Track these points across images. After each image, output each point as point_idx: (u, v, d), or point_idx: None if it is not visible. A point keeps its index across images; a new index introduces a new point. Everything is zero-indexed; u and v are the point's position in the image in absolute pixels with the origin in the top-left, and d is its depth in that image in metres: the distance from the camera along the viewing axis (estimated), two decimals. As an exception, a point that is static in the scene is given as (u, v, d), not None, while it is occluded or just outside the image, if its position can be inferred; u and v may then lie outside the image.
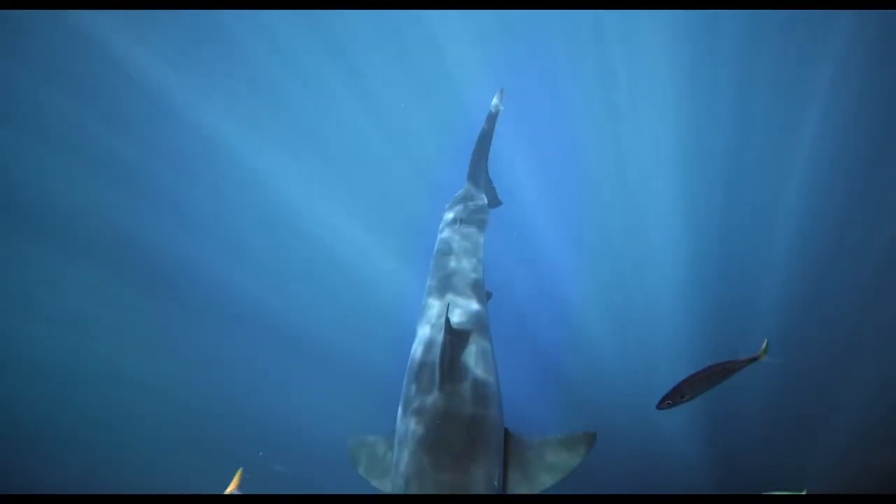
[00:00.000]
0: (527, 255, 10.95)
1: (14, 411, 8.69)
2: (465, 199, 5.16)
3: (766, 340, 3.26)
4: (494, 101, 5.43)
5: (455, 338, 3.52)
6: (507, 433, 3.42)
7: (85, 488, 8.53)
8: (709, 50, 10.29)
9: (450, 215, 5.01)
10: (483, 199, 5.24)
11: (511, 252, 10.23)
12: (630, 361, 10.37)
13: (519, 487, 3.19)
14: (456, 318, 3.81)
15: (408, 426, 3.20)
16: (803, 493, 6.82)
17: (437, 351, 3.39)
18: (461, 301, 4.03)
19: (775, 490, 7.60)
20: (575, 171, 11.49)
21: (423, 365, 3.50)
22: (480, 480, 2.88)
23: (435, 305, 4.04)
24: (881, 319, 9.83)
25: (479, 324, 3.87)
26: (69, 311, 9.09)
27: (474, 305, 4.05)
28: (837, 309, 10.14)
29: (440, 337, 3.39)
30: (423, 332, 3.85)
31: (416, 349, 3.75)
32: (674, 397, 3.13)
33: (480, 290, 4.25)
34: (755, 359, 3.24)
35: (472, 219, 4.90)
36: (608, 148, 11.42)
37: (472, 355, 3.51)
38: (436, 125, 10.91)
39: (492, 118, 5.41)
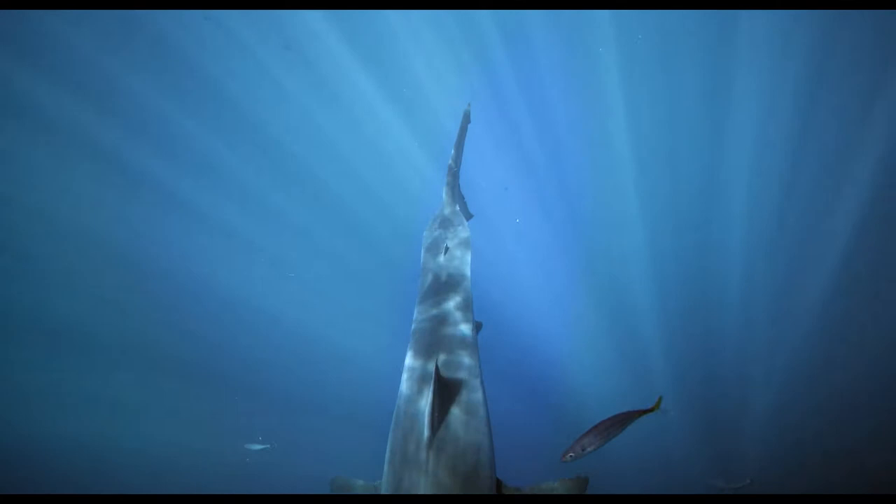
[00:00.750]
0: (519, 262, 11.07)
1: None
2: (446, 222, 4.88)
3: (660, 396, 3.61)
4: (464, 116, 5.29)
5: (445, 391, 3.34)
6: (499, 484, 3.32)
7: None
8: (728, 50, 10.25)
9: (432, 242, 4.74)
10: (463, 221, 4.98)
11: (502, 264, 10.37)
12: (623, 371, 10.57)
13: None
14: (444, 363, 3.59)
15: (395, 482, 3.11)
16: (748, 481, 7.07)
17: (425, 402, 3.26)
18: (451, 341, 3.79)
19: (718, 482, 7.78)
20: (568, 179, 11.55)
21: (410, 415, 3.35)
22: None
23: (423, 346, 3.82)
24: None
25: (470, 365, 3.67)
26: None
27: (464, 344, 3.81)
28: (835, 313, 10.25)
29: (428, 389, 3.24)
30: (412, 377, 3.63)
31: (404, 395, 3.55)
32: (576, 450, 3.30)
33: (470, 324, 4.01)
34: (649, 411, 3.52)
35: (457, 244, 4.62)
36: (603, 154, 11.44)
37: (461, 405, 3.35)
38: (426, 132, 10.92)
39: (462, 134, 5.26)
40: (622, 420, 3.39)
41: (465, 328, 3.95)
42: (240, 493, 7.89)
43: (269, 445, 8.27)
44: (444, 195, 5.12)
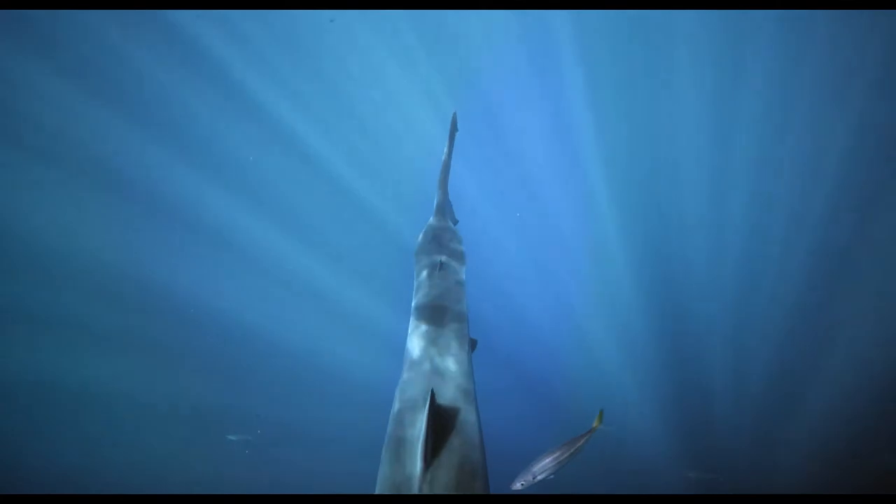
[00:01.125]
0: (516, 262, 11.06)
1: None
2: (439, 234, 4.61)
3: (601, 409, 3.61)
4: (451, 123, 5.11)
5: (439, 420, 3.18)
6: None
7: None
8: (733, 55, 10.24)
9: (425, 255, 4.47)
10: (457, 233, 4.75)
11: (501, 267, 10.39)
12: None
13: None
14: (438, 387, 3.42)
15: None
16: (719, 478, 7.27)
17: (418, 431, 3.13)
18: (445, 363, 3.62)
19: (691, 473, 8.01)
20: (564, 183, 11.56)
21: (402, 444, 3.20)
22: None
23: (416, 367, 3.64)
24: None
25: (466, 389, 3.52)
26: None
27: (459, 365, 3.64)
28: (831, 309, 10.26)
29: (422, 419, 3.11)
30: (404, 401, 3.46)
31: (395, 422, 3.38)
32: (526, 478, 3.33)
33: (466, 344, 3.84)
34: (593, 430, 3.53)
35: (451, 256, 4.36)
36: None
37: (456, 433, 3.21)
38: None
39: (450, 141, 5.06)
40: (571, 445, 3.41)
41: (461, 348, 3.76)
42: (238, 493, 7.91)
43: (251, 437, 8.38)
44: (435, 203, 4.86)
